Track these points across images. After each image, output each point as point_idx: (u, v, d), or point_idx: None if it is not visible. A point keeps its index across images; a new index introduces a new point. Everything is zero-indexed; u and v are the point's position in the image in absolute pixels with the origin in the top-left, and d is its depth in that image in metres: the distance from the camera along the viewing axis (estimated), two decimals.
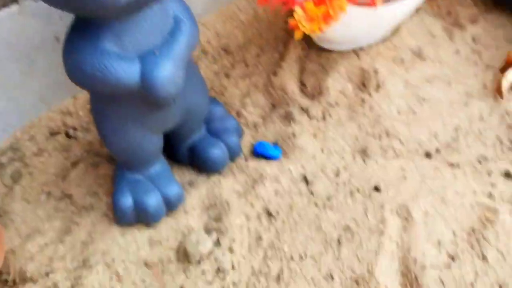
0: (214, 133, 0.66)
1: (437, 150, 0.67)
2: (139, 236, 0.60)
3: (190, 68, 0.58)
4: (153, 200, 0.59)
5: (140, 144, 0.57)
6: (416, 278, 0.54)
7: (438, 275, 0.54)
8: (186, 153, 0.65)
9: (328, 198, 0.61)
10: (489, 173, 0.64)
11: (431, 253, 0.56)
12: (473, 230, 0.57)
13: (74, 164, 0.67)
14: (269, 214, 0.61)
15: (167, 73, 0.48)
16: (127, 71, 0.47)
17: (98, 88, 0.49)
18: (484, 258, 0.55)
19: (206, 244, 0.57)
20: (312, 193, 0.62)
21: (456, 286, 0.53)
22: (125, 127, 0.55)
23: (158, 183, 0.61)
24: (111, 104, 0.54)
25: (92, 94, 0.55)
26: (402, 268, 0.55)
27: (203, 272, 0.56)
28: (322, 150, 0.68)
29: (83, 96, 0.72)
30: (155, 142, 0.59)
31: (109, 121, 0.55)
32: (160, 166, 0.62)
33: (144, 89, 0.48)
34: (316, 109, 0.72)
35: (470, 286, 0.53)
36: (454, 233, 0.57)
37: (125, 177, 0.60)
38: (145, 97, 0.49)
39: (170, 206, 0.61)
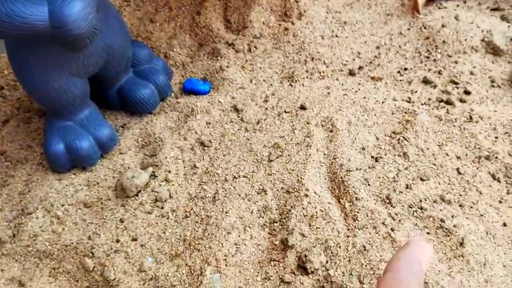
0: (142, 75, 0.67)
1: (360, 68, 0.70)
2: (76, 179, 0.61)
3: (107, 8, 0.58)
4: (85, 144, 0.60)
5: (64, 89, 0.57)
6: (342, 181, 0.56)
7: (363, 175, 0.56)
8: (116, 97, 0.66)
9: (258, 122, 0.63)
10: (409, 82, 0.67)
11: (356, 158, 0.58)
12: (394, 132, 0.60)
13: (5, 122, 0.67)
14: (202, 144, 0.62)
15: (77, 9, 0.49)
16: (34, 12, 0.47)
17: (10, 34, 0.49)
18: (405, 155, 0.58)
19: (141, 177, 0.58)
20: (242, 119, 0.64)
21: (380, 183, 0.56)
22: (45, 72, 0.55)
23: (89, 127, 0.61)
24: (28, 50, 0.54)
25: (7, 43, 0.55)
26: (329, 175, 0.57)
27: (141, 204, 0.58)
28: (251, 80, 0.69)
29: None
30: (80, 87, 0.59)
31: (28, 68, 0.55)
32: (89, 110, 0.62)
33: (55, 29, 0.48)
34: (242, 43, 0.73)
35: (393, 181, 0.56)
36: (377, 138, 0.60)
37: (54, 125, 0.61)
38: (59, 38, 0.49)
39: (104, 148, 0.62)
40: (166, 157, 0.61)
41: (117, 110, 0.67)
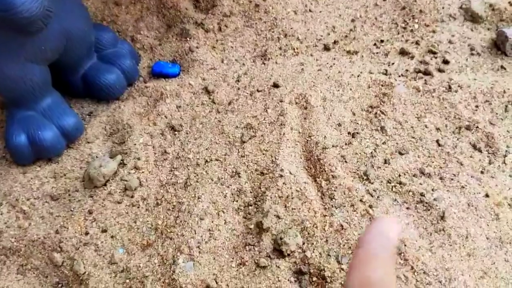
0: (107, 59, 0.64)
1: (335, 42, 0.67)
2: (41, 172, 0.58)
3: None
4: (48, 134, 0.57)
5: (21, 77, 0.54)
6: (318, 159, 0.54)
7: (339, 152, 0.54)
8: (80, 84, 0.63)
9: (230, 103, 0.60)
10: (386, 54, 0.64)
11: (331, 135, 0.56)
12: (371, 107, 0.58)
13: None
14: (173, 128, 0.60)
15: None
16: None
17: None
18: (382, 130, 0.55)
19: (109, 166, 0.56)
20: (213, 101, 0.61)
21: (357, 159, 0.54)
22: (0, 60, 0.52)
23: (52, 116, 0.58)
24: None
25: None
26: (304, 153, 0.55)
27: (110, 193, 0.55)
28: (222, 61, 0.67)
29: None
30: (39, 74, 0.56)
31: None
32: (51, 99, 0.59)
33: (4, 13, 0.45)
34: (211, 22, 0.70)
35: (371, 157, 0.53)
36: (353, 113, 0.57)
37: (15, 115, 0.58)
38: (8, 22, 0.46)
39: (69, 137, 0.59)
40: (135, 144, 0.58)
41: (83, 98, 0.64)
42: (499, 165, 0.52)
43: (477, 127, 0.55)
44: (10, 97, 0.57)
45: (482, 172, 0.52)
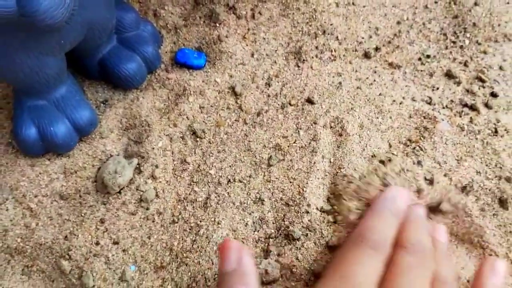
0: (128, 44, 0.57)
1: (377, 49, 0.61)
2: (51, 166, 0.54)
3: None
4: (61, 129, 0.52)
5: (35, 70, 0.48)
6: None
7: None
8: (97, 68, 0.57)
9: (258, 114, 0.56)
10: (431, 74, 0.59)
11: (363, 167, 0.52)
12: (410, 140, 0.54)
13: None
14: (194, 133, 0.55)
15: None
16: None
17: None
18: (419, 164, 0.52)
19: (125, 174, 0.52)
20: (241, 107, 0.57)
21: None
22: (12, 53, 0.46)
23: (65, 108, 0.53)
24: None
25: None
26: (332, 186, 0.52)
27: (124, 203, 0.52)
28: (252, 55, 0.61)
29: None
30: (54, 66, 0.50)
31: None
32: (66, 88, 0.54)
33: (25, 17, 0.39)
34: (244, 7, 0.63)
35: None
36: (389, 145, 0.54)
37: (24, 105, 0.53)
38: (30, 24, 0.40)
39: (82, 132, 0.54)
40: (153, 148, 0.55)
41: (98, 81, 0.59)
42: None
43: None
44: (21, 87, 0.51)
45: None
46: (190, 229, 0.51)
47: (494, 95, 0.57)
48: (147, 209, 0.52)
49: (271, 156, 0.53)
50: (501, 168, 0.53)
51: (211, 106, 0.57)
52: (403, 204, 0.43)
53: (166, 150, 0.55)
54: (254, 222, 0.51)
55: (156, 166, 0.54)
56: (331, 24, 0.63)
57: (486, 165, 0.53)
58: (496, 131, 0.55)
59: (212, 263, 0.49)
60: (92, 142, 0.56)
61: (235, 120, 0.56)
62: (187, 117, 0.56)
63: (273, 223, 0.51)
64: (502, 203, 0.52)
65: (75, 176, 0.54)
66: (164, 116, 0.57)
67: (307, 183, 0.52)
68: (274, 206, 0.51)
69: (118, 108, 0.57)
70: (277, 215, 0.51)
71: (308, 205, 0.50)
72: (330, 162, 0.53)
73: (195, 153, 0.55)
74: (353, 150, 0.53)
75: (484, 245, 0.51)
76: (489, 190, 0.52)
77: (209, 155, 0.54)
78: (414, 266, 0.39)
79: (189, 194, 0.53)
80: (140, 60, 0.57)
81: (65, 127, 0.52)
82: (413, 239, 0.40)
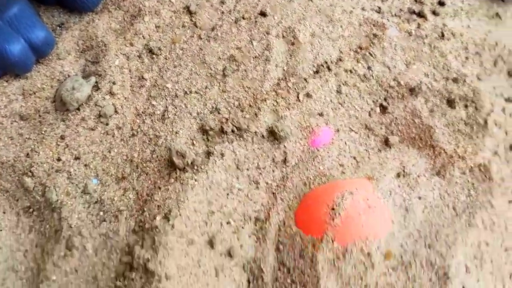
0: None
1: None
2: (9, 88, 0.55)
3: None
4: (16, 48, 0.53)
5: None
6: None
7: None
8: None
9: (213, 29, 0.57)
10: None
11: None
12: (360, 47, 0.55)
13: None
14: (151, 51, 0.56)
15: None
16: None
17: None
18: (369, 69, 0.54)
19: (83, 90, 0.53)
20: (195, 24, 0.57)
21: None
22: None
23: (19, 28, 0.53)
24: None
25: None
26: None
27: (83, 119, 0.53)
28: None
29: None
30: None
31: None
32: (19, 7, 0.54)
33: None
34: None
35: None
36: (341, 52, 0.55)
37: None
38: None
39: (39, 53, 0.55)
40: (110, 66, 0.55)
41: (53, 6, 0.59)
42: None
43: (465, 80, 0.54)
44: None
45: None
46: (149, 140, 0.52)
47: (441, 3, 0.59)
48: (107, 124, 0.53)
49: (225, 67, 0.54)
50: (448, 70, 0.55)
51: (167, 25, 0.58)
52: None
53: (123, 68, 0.55)
54: (212, 129, 0.52)
55: (114, 83, 0.54)
56: None
57: (434, 68, 0.55)
58: (442, 35, 0.56)
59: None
60: (49, 63, 0.56)
61: (190, 36, 0.57)
62: (143, 36, 0.57)
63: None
64: (450, 103, 0.54)
65: (34, 96, 0.55)
66: (120, 36, 0.57)
67: (261, 91, 0.53)
68: (229, 112, 0.52)
69: (74, 30, 0.58)
70: (235, 120, 0.52)
71: (259, 109, 0.52)
72: (283, 70, 0.54)
73: (151, 69, 0.55)
74: (305, 58, 0.55)
75: (434, 144, 0.53)
76: (437, 91, 0.54)
77: (165, 70, 0.55)
78: None
79: (147, 108, 0.54)
80: None
81: (21, 45, 0.53)
82: None
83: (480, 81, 0.55)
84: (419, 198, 0.50)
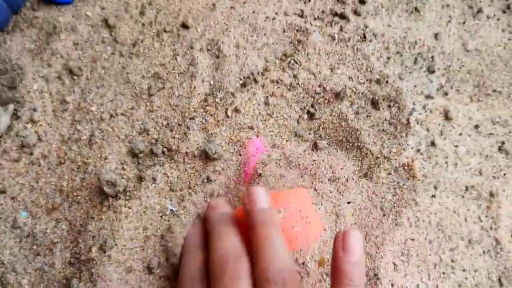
0: None
1: None
2: None
3: None
4: None
5: None
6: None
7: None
8: None
9: (134, 44, 0.55)
10: None
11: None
12: (285, 55, 0.55)
13: None
14: (71, 72, 0.54)
15: None
16: None
17: None
18: (295, 77, 0.54)
19: (1, 120, 0.51)
20: (115, 39, 0.55)
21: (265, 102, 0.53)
22: None
23: None
24: None
25: None
26: None
27: (5, 151, 0.51)
28: None
29: None
30: None
31: None
32: None
33: None
34: None
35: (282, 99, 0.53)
36: (266, 61, 0.55)
37: None
38: None
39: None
40: (29, 91, 0.53)
41: None
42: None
43: (387, 81, 0.56)
44: None
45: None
46: (77, 168, 0.51)
47: (362, 1, 0.59)
48: (31, 154, 0.51)
49: (150, 85, 0.53)
50: (371, 71, 0.56)
51: (85, 41, 0.56)
52: None
53: (43, 92, 0.53)
54: (141, 151, 0.51)
55: (34, 110, 0.52)
56: None
57: (358, 70, 0.56)
58: (364, 37, 0.57)
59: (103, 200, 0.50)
60: None
61: (111, 53, 0.55)
62: (61, 56, 0.55)
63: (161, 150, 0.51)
64: (374, 104, 0.56)
65: None
66: (36, 57, 0.54)
67: (189, 108, 0.52)
68: (159, 133, 0.52)
69: None
70: (164, 143, 0.52)
71: (188, 128, 0.51)
72: (210, 84, 0.54)
73: (74, 91, 0.54)
74: (231, 71, 0.54)
75: (360, 146, 0.54)
76: (362, 93, 0.55)
77: (88, 92, 0.53)
78: None
79: (73, 133, 0.52)
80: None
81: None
82: None
83: (402, 80, 0.57)
84: (348, 203, 0.52)
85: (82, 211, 0.50)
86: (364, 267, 0.40)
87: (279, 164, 0.52)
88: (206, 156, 0.50)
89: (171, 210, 0.49)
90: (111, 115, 0.52)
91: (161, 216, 0.49)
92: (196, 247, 0.43)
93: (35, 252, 0.49)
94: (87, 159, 0.51)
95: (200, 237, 0.44)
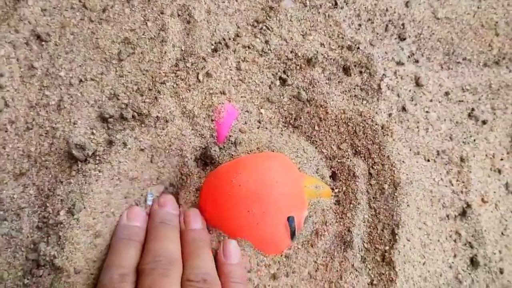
0: None
1: None
2: None
3: None
4: None
5: None
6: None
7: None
8: None
9: (104, 10, 0.54)
10: None
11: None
12: (257, 21, 0.55)
13: None
14: (39, 37, 0.53)
15: None
16: None
17: None
18: (267, 43, 0.54)
19: None
20: (85, 5, 0.55)
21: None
22: None
23: None
24: None
25: None
26: None
27: None
28: None
29: None
30: None
31: None
32: None
33: None
34: None
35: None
36: (238, 27, 0.55)
37: None
38: None
39: None
40: None
41: None
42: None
43: (358, 47, 0.56)
44: None
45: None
46: (46, 133, 0.50)
47: None
48: None
49: (120, 50, 0.53)
50: (342, 38, 0.57)
51: (54, 8, 0.55)
52: None
53: (10, 58, 0.52)
54: (111, 116, 0.51)
55: (1, 75, 0.51)
56: None
57: (329, 37, 0.56)
58: (336, 4, 0.57)
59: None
60: None
61: (81, 19, 0.54)
62: (29, 22, 0.54)
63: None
64: (346, 70, 0.56)
65: None
66: (3, 23, 0.53)
67: (159, 73, 0.52)
68: (128, 97, 0.51)
69: None
70: (133, 107, 0.51)
71: (159, 92, 0.51)
72: (181, 50, 0.53)
73: (42, 57, 0.53)
74: (202, 37, 0.54)
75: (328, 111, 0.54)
76: (333, 60, 0.56)
77: (57, 57, 0.53)
78: None
79: (41, 99, 0.51)
80: None
81: None
82: None
83: (373, 47, 0.57)
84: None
85: (50, 176, 0.49)
86: (244, 268, 0.45)
87: (251, 129, 0.52)
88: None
89: (151, 195, 0.49)
90: (80, 80, 0.51)
91: (133, 182, 0.49)
92: (128, 243, 0.45)
93: (1, 218, 0.48)
94: (56, 124, 0.50)
95: (135, 232, 0.46)
